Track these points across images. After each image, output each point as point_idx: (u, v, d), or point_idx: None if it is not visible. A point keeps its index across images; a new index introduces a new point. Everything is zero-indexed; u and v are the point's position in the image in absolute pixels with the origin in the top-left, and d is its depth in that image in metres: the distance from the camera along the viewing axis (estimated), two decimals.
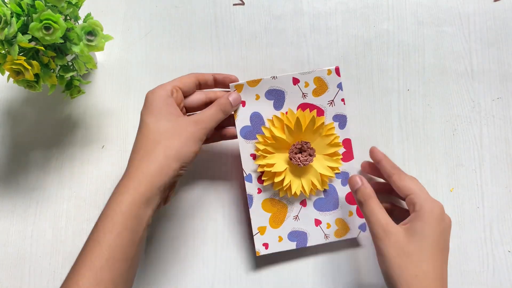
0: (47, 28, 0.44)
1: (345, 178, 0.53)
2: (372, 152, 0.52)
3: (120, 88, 0.58)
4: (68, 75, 0.50)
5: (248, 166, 0.52)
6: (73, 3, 0.48)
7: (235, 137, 0.52)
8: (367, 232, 0.52)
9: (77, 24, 0.50)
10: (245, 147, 0.52)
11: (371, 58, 0.59)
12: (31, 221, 0.54)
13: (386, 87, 0.58)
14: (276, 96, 0.52)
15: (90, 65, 0.50)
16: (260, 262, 0.54)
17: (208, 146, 0.56)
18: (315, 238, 0.52)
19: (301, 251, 0.54)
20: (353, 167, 0.53)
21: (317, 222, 0.53)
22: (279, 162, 0.52)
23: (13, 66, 0.45)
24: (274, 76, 0.51)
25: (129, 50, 0.59)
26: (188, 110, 0.51)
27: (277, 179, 0.51)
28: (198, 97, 0.51)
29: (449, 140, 0.57)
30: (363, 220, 0.53)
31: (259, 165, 0.52)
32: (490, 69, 0.59)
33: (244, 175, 0.52)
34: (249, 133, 0.52)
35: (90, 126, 0.57)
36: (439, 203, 0.45)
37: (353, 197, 0.52)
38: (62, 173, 0.55)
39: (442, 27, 0.60)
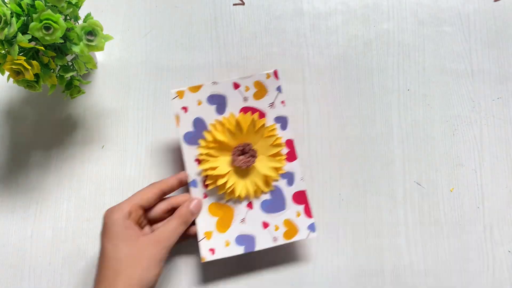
0: (47, 28, 0.44)
1: (291, 178, 0.52)
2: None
3: (120, 88, 0.58)
4: (68, 75, 0.50)
5: (193, 171, 0.52)
6: (73, 3, 0.48)
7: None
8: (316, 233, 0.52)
9: (77, 24, 0.50)
10: (189, 153, 0.52)
11: (371, 58, 0.59)
12: (31, 221, 0.54)
13: (386, 87, 0.58)
14: (218, 101, 0.52)
15: (90, 65, 0.50)
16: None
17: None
18: (263, 241, 0.51)
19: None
20: (297, 167, 0.53)
21: (265, 225, 0.52)
22: (222, 165, 0.52)
23: (13, 66, 0.45)
24: (215, 82, 0.52)
25: (129, 50, 0.59)
26: (152, 222, 0.50)
27: (220, 182, 0.51)
28: (160, 207, 0.50)
29: (449, 140, 0.57)
30: (312, 220, 0.52)
31: (203, 169, 0.51)
32: (490, 69, 0.59)
33: (189, 180, 0.51)
34: (192, 139, 0.52)
35: (90, 126, 0.57)
36: None
37: (300, 197, 0.52)
38: (62, 173, 0.55)
39: (442, 27, 0.60)
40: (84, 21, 0.48)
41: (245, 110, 0.52)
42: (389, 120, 0.57)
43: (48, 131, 0.57)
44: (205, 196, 0.52)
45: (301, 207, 0.52)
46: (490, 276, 0.53)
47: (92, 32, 0.47)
